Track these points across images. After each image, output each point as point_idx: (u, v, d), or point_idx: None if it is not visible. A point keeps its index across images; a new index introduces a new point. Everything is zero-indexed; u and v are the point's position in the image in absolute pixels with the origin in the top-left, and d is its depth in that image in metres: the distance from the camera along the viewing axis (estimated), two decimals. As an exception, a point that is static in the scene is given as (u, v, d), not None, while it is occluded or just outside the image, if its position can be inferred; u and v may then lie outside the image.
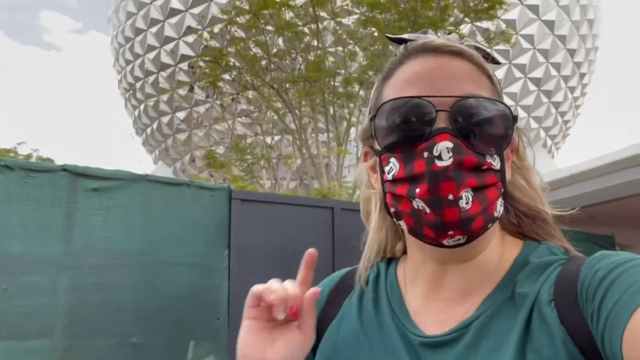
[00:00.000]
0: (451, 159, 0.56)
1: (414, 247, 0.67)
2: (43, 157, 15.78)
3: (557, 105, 21.84)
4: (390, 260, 0.75)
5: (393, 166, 0.60)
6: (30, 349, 2.69)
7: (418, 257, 0.67)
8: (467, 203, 0.56)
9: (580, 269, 0.56)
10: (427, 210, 0.57)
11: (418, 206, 0.57)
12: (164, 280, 3.19)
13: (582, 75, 22.42)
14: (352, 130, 12.07)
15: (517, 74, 20.04)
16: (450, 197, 0.55)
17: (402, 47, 0.67)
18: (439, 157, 0.56)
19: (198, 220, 3.40)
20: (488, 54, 0.66)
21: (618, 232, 6.66)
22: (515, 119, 0.61)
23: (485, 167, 0.58)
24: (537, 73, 20.56)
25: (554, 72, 20.84)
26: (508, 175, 0.63)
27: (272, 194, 6.16)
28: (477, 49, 0.65)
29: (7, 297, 2.68)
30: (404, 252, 0.74)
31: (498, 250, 0.64)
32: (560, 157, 25.27)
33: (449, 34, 0.68)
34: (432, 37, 0.66)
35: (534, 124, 21.32)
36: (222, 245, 3.47)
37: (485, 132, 0.58)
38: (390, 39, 0.70)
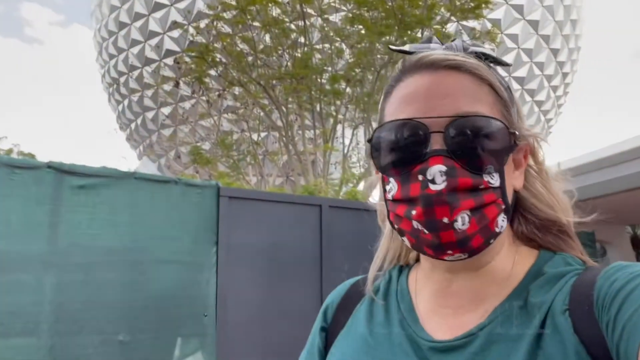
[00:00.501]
0: (445, 183, 0.56)
1: (423, 257, 0.69)
2: (24, 152, 15.50)
3: (539, 104, 22.13)
4: (402, 267, 0.76)
5: (392, 186, 0.61)
6: (16, 347, 2.67)
7: (427, 265, 0.68)
8: (463, 224, 0.56)
9: (596, 279, 0.55)
10: (425, 231, 0.57)
11: (417, 226, 0.58)
12: (151, 277, 3.18)
13: (565, 75, 22.75)
14: (339, 127, 12.09)
15: (502, 73, 20.21)
16: (445, 220, 0.56)
17: (400, 62, 0.67)
18: (432, 181, 0.56)
19: (186, 218, 3.39)
20: (495, 58, 0.65)
21: (597, 229, 6.80)
22: (513, 135, 0.60)
23: (482, 186, 0.57)
24: (521, 72, 20.81)
25: (537, 71, 21.11)
26: (519, 183, 0.63)
27: (260, 192, 6.15)
28: (482, 54, 0.64)
29: (-8, 295, 2.64)
30: (417, 259, 0.75)
31: (509, 259, 0.63)
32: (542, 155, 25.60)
33: (453, 40, 0.67)
34: (434, 47, 0.65)
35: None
36: (210, 243, 3.47)
37: (480, 151, 0.58)
38: (393, 50, 0.69)
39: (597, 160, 7.30)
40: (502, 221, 0.59)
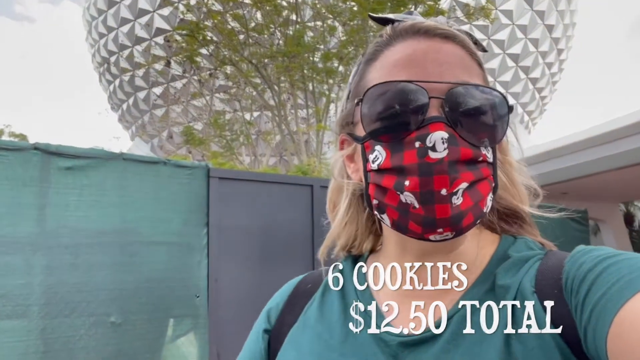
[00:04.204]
0: (446, 151, 0.52)
1: (391, 241, 0.63)
2: (16, 133, 15.36)
3: (534, 81, 22.07)
4: (356, 258, 0.70)
5: (379, 155, 0.56)
6: (6, 329, 2.66)
7: (395, 252, 0.63)
8: (457, 198, 0.52)
9: (563, 263, 0.54)
10: (416, 204, 0.53)
11: (406, 200, 0.53)
12: (142, 259, 3.17)
13: (560, 51, 22.64)
14: (332, 106, 12.01)
15: (496, 49, 20.10)
16: (444, 191, 0.52)
17: (388, 27, 0.62)
18: (433, 149, 0.52)
19: (176, 199, 3.37)
20: (477, 40, 0.62)
21: (590, 207, 6.85)
22: (510, 109, 0.57)
23: (480, 158, 0.55)
24: (516, 49, 20.69)
25: (532, 48, 20.99)
26: None
27: (250, 172, 6.13)
28: (465, 33, 0.62)
29: (-20, 279, 2.63)
30: (371, 250, 0.70)
31: (475, 243, 0.61)
32: (537, 132, 25.67)
33: (436, 17, 0.64)
34: (419, 18, 0.62)
35: (511, 100, 21.41)
36: (201, 224, 3.45)
37: (480, 123, 0.55)
38: (373, 18, 0.65)
39: (589, 138, 7.31)
40: (489, 201, 0.56)
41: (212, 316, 3.38)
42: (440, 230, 0.53)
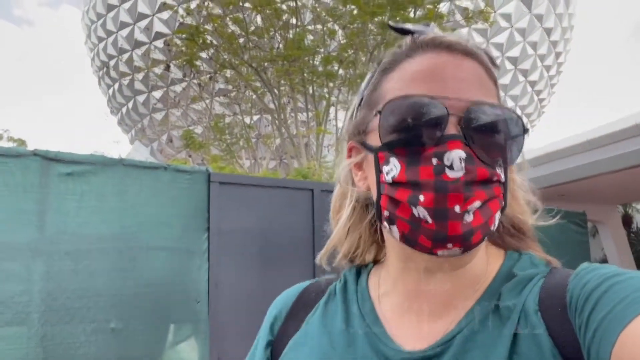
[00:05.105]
0: (463, 170, 0.52)
1: (396, 254, 0.62)
2: (15, 138, 15.34)
3: (533, 84, 22.10)
4: (359, 268, 0.70)
5: (393, 167, 0.56)
6: (6, 336, 2.66)
7: (399, 265, 0.62)
8: (469, 215, 0.53)
9: (567, 281, 0.54)
10: (429, 219, 0.53)
11: (419, 214, 0.53)
12: (142, 264, 3.16)
13: (558, 54, 22.68)
14: (332, 109, 12.01)
15: (495, 52, 20.14)
16: (457, 208, 0.52)
17: (408, 38, 0.62)
18: (450, 167, 0.52)
19: (176, 204, 3.37)
20: (493, 58, 0.62)
21: (588, 209, 6.85)
22: (526, 130, 0.58)
23: (495, 178, 0.55)
24: (514, 52, 20.72)
25: (530, 50, 21.02)
26: None
27: (251, 177, 6.12)
28: (483, 52, 0.62)
29: (-20, 285, 2.62)
30: (374, 261, 0.70)
31: (484, 259, 0.61)
32: (535, 135, 25.71)
33: (454, 30, 0.64)
34: (438, 32, 0.62)
35: (510, 103, 21.55)
36: (201, 229, 3.45)
37: (496, 143, 0.55)
38: (393, 28, 0.64)
39: (587, 140, 7.32)
40: (497, 219, 0.56)
41: (213, 321, 3.38)
42: (449, 245, 0.53)
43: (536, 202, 0.66)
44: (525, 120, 0.58)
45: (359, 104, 0.66)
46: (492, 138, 0.55)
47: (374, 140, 0.59)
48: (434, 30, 0.63)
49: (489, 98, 0.57)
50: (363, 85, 0.67)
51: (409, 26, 0.63)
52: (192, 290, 3.33)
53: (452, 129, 0.54)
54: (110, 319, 2.97)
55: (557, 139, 8.16)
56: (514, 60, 20.86)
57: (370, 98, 0.63)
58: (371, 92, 0.63)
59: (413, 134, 0.55)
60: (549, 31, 21.30)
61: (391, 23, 0.66)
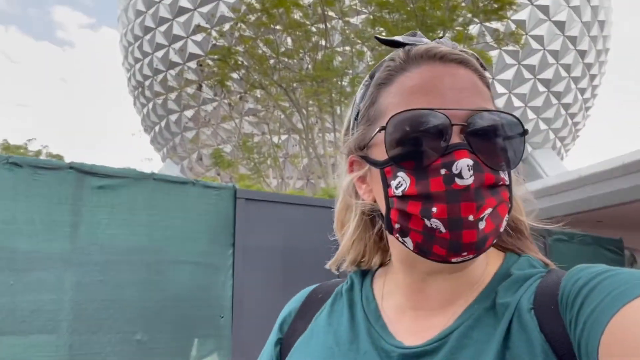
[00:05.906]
0: (472, 178, 0.53)
1: (400, 259, 0.64)
2: (53, 154, 15.93)
3: (566, 106, 21.68)
4: (365, 272, 0.73)
5: (402, 181, 0.57)
6: (36, 344, 2.72)
7: (402, 268, 0.64)
8: (482, 223, 0.54)
9: (560, 280, 0.55)
10: (443, 229, 0.54)
11: (432, 225, 0.55)
12: (168, 278, 3.21)
13: (593, 77, 22.25)
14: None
15: (527, 74, 19.91)
16: (471, 217, 0.53)
17: (401, 51, 0.63)
18: (459, 176, 0.53)
19: (203, 219, 3.42)
20: (483, 63, 0.64)
21: (625, 236, 6.60)
22: (526, 131, 0.59)
23: (500, 183, 0.56)
24: (547, 74, 20.44)
25: (564, 73, 20.70)
26: None
27: (276, 194, 6.18)
28: (474, 57, 0.63)
29: (14, 293, 2.70)
30: (381, 264, 0.72)
31: (484, 261, 0.62)
32: (569, 159, 25.12)
33: (440, 38, 0.65)
34: (426, 41, 0.64)
35: (543, 126, 21.17)
36: (227, 244, 3.49)
37: (499, 147, 0.56)
38: (381, 41, 0.66)
39: (625, 164, 7.10)
40: (504, 222, 0.57)
41: (236, 337, 3.38)
42: (465, 253, 0.55)
43: (532, 201, 0.67)
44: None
45: (355, 118, 0.67)
46: (494, 143, 0.57)
47: (378, 155, 0.60)
48: (422, 40, 0.64)
49: (485, 103, 0.59)
50: (357, 98, 0.67)
51: (398, 38, 0.64)
52: (216, 305, 3.35)
53: (456, 138, 0.55)
54: (136, 331, 3.01)
55: (592, 163, 7.95)
56: (546, 83, 20.55)
57: (368, 113, 0.63)
58: (369, 106, 0.64)
59: (419, 146, 0.56)
60: (582, 53, 20.96)
61: (378, 36, 0.67)
